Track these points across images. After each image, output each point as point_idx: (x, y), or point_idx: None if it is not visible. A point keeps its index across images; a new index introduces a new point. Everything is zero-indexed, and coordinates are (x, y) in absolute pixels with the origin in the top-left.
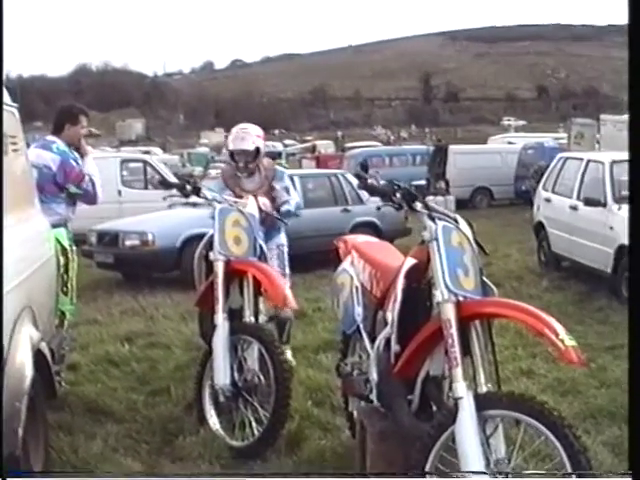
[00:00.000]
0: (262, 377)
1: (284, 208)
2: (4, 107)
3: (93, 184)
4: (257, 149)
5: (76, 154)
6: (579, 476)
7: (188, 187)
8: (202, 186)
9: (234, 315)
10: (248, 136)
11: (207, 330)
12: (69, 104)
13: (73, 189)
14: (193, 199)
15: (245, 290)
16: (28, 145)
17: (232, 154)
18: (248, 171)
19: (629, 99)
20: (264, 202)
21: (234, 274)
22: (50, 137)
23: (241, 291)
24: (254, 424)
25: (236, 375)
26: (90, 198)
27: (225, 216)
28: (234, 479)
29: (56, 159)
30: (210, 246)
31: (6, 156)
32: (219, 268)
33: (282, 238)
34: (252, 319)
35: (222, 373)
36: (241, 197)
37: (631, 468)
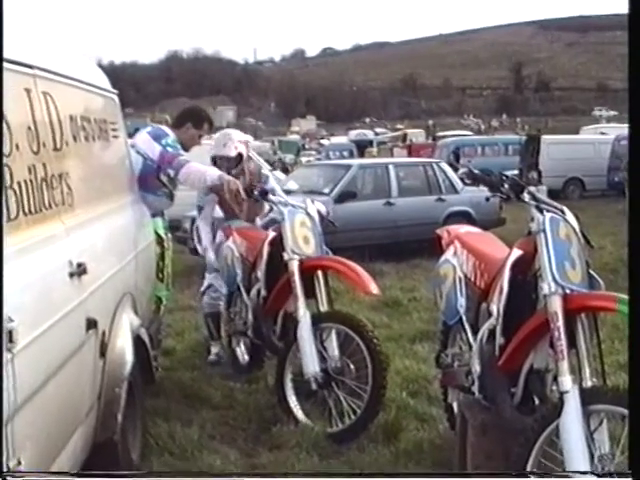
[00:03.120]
0: (349, 361)
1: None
2: (105, 93)
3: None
4: (239, 155)
5: (184, 153)
6: (581, 476)
7: (256, 191)
8: (268, 190)
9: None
10: (230, 142)
11: (269, 332)
12: (200, 108)
13: (171, 172)
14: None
15: (317, 285)
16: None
17: (214, 159)
18: (233, 176)
19: (629, 95)
20: (319, 206)
21: (307, 272)
22: (167, 129)
23: (312, 287)
24: (349, 408)
25: (323, 362)
26: (175, 162)
27: (294, 216)
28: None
29: (159, 150)
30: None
31: (107, 142)
32: (294, 267)
33: None
34: (327, 308)
35: (311, 362)
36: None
37: (631, 468)
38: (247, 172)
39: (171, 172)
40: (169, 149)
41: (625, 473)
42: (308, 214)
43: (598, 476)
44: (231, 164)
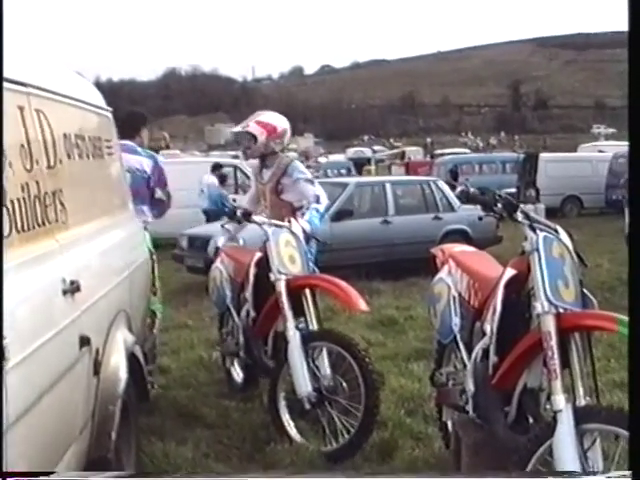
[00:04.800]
0: (342, 380)
1: (309, 215)
2: (99, 111)
3: (169, 194)
4: (251, 135)
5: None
6: (579, 476)
7: (238, 213)
8: (252, 211)
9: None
10: (248, 120)
11: (260, 352)
12: (136, 109)
13: (159, 193)
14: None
15: (305, 303)
16: None
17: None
18: (247, 156)
19: (629, 111)
20: (302, 224)
21: (294, 291)
22: (127, 142)
23: (301, 306)
24: (343, 427)
25: (315, 381)
26: (164, 207)
27: (278, 237)
28: None
29: (149, 162)
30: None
31: (102, 159)
32: (282, 287)
33: None
34: (317, 327)
35: (303, 382)
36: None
37: (631, 468)
38: (276, 163)
39: (160, 195)
40: (161, 165)
41: (625, 473)
42: (292, 233)
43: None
44: (246, 142)
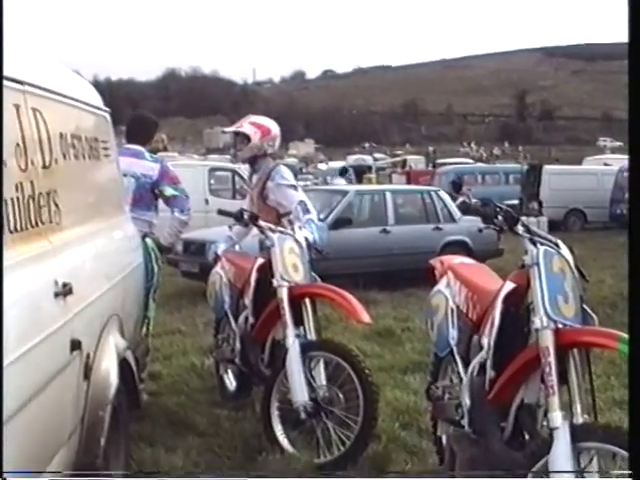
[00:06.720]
0: (339, 391)
1: (310, 229)
2: (97, 111)
3: (187, 194)
4: (244, 135)
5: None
6: (579, 476)
7: (245, 216)
8: (259, 215)
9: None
10: (240, 122)
11: (256, 359)
12: (148, 114)
13: (170, 190)
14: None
15: (304, 312)
16: None
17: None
18: (238, 158)
19: (629, 124)
20: (306, 233)
21: (296, 299)
22: (135, 146)
23: (300, 315)
24: (337, 439)
25: (312, 391)
26: (183, 203)
27: (283, 243)
28: None
29: (155, 167)
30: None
31: (98, 161)
32: (284, 294)
33: None
34: (315, 337)
35: (300, 391)
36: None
37: (631, 468)
38: (262, 169)
39: (173, 191)
40: (169, 165)
41: (625, 473)
42: (296, 241)
43: (597, 476)
44: (238, 144)
